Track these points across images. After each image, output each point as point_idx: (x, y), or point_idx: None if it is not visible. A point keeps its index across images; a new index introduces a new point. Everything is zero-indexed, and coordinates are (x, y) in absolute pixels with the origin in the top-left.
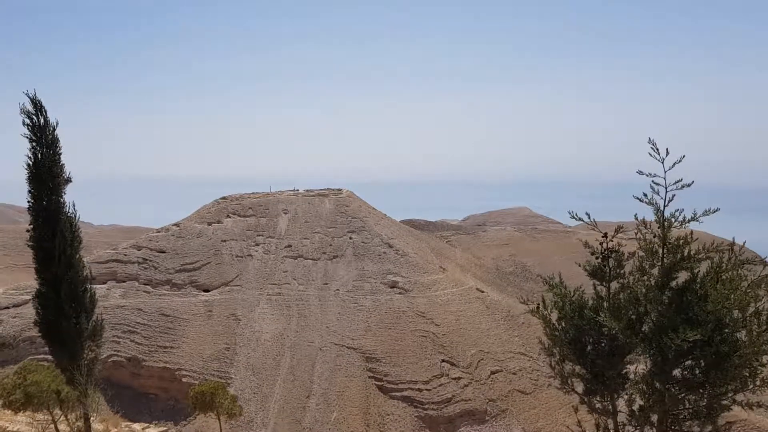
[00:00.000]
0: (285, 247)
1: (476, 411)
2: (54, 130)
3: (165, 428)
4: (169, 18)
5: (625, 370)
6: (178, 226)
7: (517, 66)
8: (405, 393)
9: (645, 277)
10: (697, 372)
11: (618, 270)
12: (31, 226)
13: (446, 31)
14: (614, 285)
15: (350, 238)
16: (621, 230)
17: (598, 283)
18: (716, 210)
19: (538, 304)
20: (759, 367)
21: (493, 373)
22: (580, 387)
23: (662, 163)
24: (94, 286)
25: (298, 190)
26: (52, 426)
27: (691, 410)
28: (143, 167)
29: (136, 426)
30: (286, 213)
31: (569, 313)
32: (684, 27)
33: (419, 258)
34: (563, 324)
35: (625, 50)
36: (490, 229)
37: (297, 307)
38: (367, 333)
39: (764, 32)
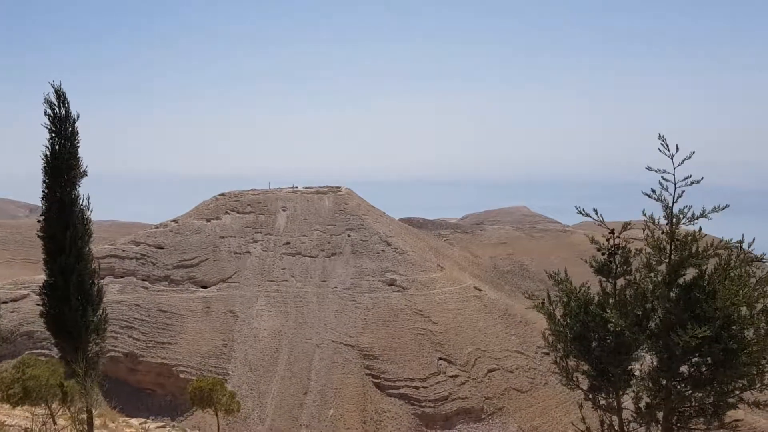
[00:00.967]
0: (283, 244)
1: (473, 409)
2: (74, 122)
3: (162, 424)
4: (170, 16)
5: (630, 367)
6: (177, 223)
7: (517, 65)
8: (402, 390)
9: (652, 274)
10: (704, 369)
11: (625, 267)
12: (43, 217)
13: (446, 30)
14: (620, 282)
15: (349, 235)
16: (629, 227)
17: (605, 279)
18: (725, 207)
19: (543, 300)
20: (766, 365)
21: (490, 371)
22: (584, 383)
23: (672, 159)
24: (101, 281)
25: (297, 188)
26: (50, 419)
27: (697, 407)
28: (142, 163)
29: (134, 421)
30: (284, 210)
31: (575, 309)
32: (685, 27)
33: (417, 256)
34: (568, 320)
35: (627, 49)
36: (488, 228)
37: (295, 304)
38: (364, 330)
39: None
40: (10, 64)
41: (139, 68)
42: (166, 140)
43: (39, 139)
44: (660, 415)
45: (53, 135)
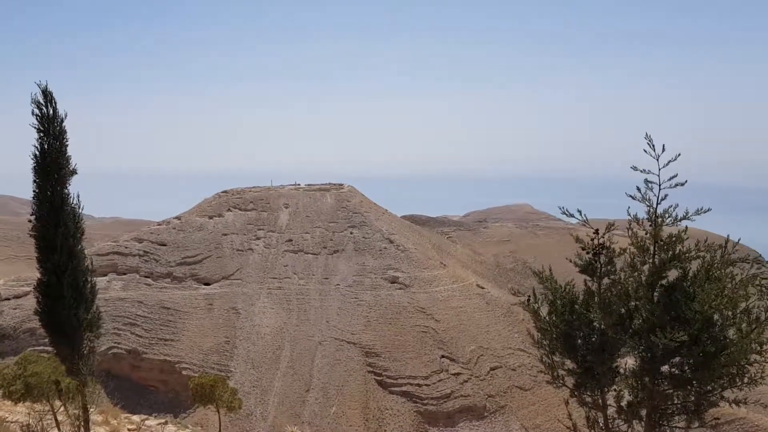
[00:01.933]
0: (286, 241)
1: (475, 407)
2: (62, 121)
3: (164, 420)
4: (173, 12)
5: (615, 365)
6: (180, 219)
7: (522, 64)
8: (404, 388)
9: (636, 274)
10: (686, 369)
11: (609, 266)
12: (34, 216)
13: (449, 28)
14: (605, 281)
15: (351, 232)
16: (613, 227)
17: (589, 278)
18: (708, 210)
19: (529, 297)
20: (746, 366)
21: (492, 369)
22: (570, 381)
23: (657, 160)
24: (95, 278)
25: (299, 185)
26: (51, 416)
27: (679, 406)
28: (145, 161)
29: (136, 418)
30: (287, 207)
31: (560, 307)
32: (685, 26)
33: (420, 253)
34: (554, 318)
35: (636, 47)
36: (491, 226)
37: (297, 301)
38: (366, 328)
39: (765, 31)
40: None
41: (142, 65)
42: (168, 137)
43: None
44: (643, 412)
45: (41, 134)
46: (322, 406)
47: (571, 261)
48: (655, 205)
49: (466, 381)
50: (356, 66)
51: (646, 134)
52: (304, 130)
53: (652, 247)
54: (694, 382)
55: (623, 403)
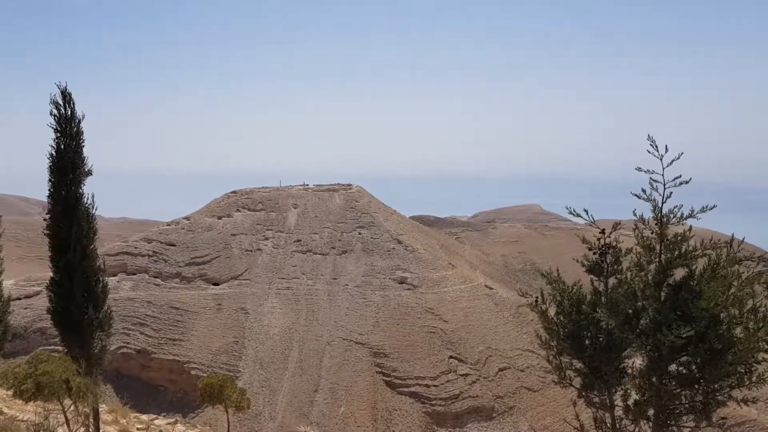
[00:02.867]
0: (294, 241)
1: (483, 408)
2: (79, 122)
3: (173, 420)
4: (181, 12)
5: (622, 365)
6: (189, 220)
7: (534, 63)
8: (413, 389)
9: (642, 273)
10: (693, 368)
11: (616, 266)
12: (49, 215)
13: (461, 27)
14: (612, 281)
15: (359, 233)
16: (619, 227)
17: (596, 278)
18: (713, 207)
19: (536, 298)
20: (755, 364)
21: (500, 370)
22: (577, 381)
23: (660, 160)
24: (106, 278)
25: (308, 185)
26: (60, 415)
27: (687, 405)
28: (154, 161)
29: (145, 417)
30: (295, 207)
31: (567, 308)
32: (688, 26)
33: (428, 254)
34: (561, 318)
35: (648, 47)
36: (499, 226)
37: (306, 301)
38: (375, 328)
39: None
40: (19, 63)
41: (151, 65)
42: (178, 138)
43: (50, 138)
44: (651, 412)
45: (58, 135)
46: (331, 407)
47: (578, 261)
48: (660, 205)
49: (475, 382)
50: (366, 65)
51: (649, 135)
52: (314, 130)
53: (658, 247)
54: (702, 381)
55: (630, 403)
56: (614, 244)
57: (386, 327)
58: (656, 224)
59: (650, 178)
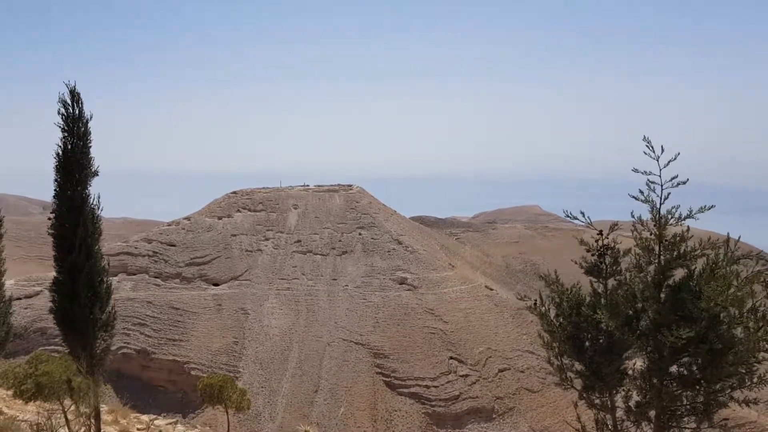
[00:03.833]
0: (294, 242)
1: (483, 408)
2: (87, 122)
3: (173, 420)
4: (178, 14)
5: (623, 366)
6: (189, 220)
7: (535, 64)
8: (412, 389)
9: (642, 274)
10: (694, 369)
11: (614, 267)
12: (54, 215)
13: (459, 27)
14: (611, 282)
15: (360, 233)
16: (616, 227)
17: (595, 280)
18: (711, 207)
19: (536, 301)
20: (755, 365)
21: (500, 371)
22: (578, 383)
23: (657, 161)
24: (109, 278)
25: (308, 186)
26: (61, 414)
27: (688, 406)
28: (155, 161)
29: (145, 417)
30: (296, 208)
31: (567, 310)
32: (691, 26)
33: (428, 255)
34: (561, 320)
35: (648, 46)
36: (500, 227)
37: (306, 302)
38: (375, 329)
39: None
40: (20, 63)
41: (151, 66)
42: (178, 138)
43: (53, 137)
44: (652, 413)
45: (66, 134)
46: (331, 407)
47: (576, 263)
48: (658, 206)
49: (475, 383)
50: (365, 65)
51: (644, 136)
52: (315, 130)
53: (657, 248)
54: (703, 381)
55: (632, 404)
56: (612, 245)
57: (386, 328)
58: (655, 225)
59: (647, 179)
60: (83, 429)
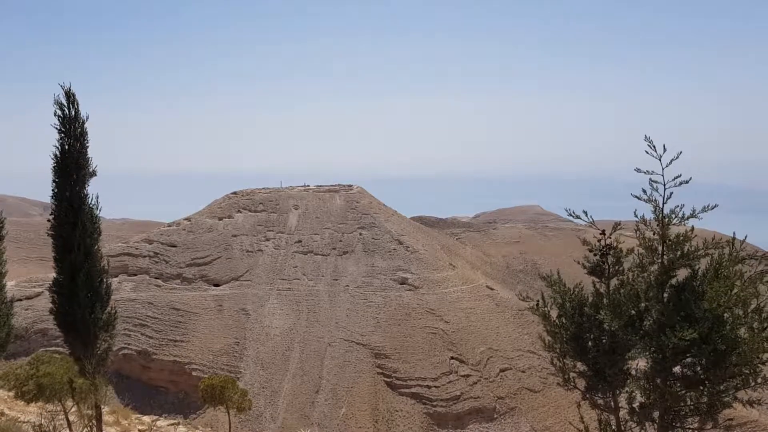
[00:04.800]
0: (295, 242)
1: (485, 408)
2: (84, 123)
3: (175, 421)
4: (180, 13)
5: (626, 367)
6: (189, 221)
7: (534, 63)
8: (414, 390)
9: (645, 274)
10: (698, 369)
11: (617, 267)
12: (53, 216)
13: (457, 27)
14: (614, 282)
15: (360, 234)
16: (619, 227)
17: (597, 280)
18: (714, 206)
19: (538, 301)
20: (759, 366)
21: (502, 370)
22: (581, 383)
23: (659, 160)
24: (109, 279)
25: (308, 186)
26: (63, 416)
27: (692, 407)
28: (155, 162)
29: (146, 418)
30: (296, 208)
31: (569, 310)
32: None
33: (429, 255)
34: (563, 321)
35: (641, 48)
36: (500, 227)
37: (307, 302)
38: (376, 329)
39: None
40: (19, 63)
41: (152, 66)
42: (178, 138)
43: (52, 138)
44: (656, 414)
45: (63, 135)
46: (332, 408)
47: (579, 263)
48: (661, 205)
49: (476, 383)
50: (364, 65)
51: (646, 136)
52: (313, 131)
53: (660, 247)
54: (707, 382)
55: (635, 405)
56: (615, 245)
57: (387, 328)
58: (658, 225)
59: (650, 178)
60: (85, 430)
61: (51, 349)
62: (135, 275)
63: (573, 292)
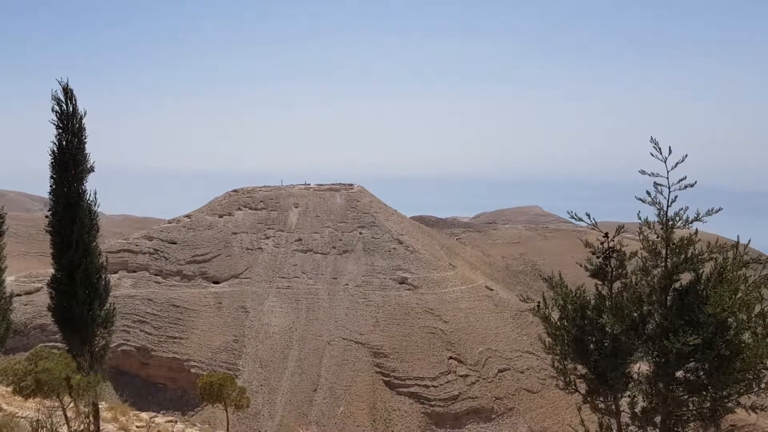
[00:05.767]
0: (295, 240)
1: (483, 409)
2: (81, 119)
3: (173, 418)
4: (182, 12)
5: (628, 370)
6: (190, 218)
7: (535, 64)
8: (412, 389)
9: (648, 278)
10: (701, 374)
11: (620, 270)
12: (51, 212)
13: (458, 27)
14: (616, 285)
15: (360, 233)
16: (623, 230)
17: (600, 283)
18: (719, 210)
19: (539, 303)
20: (763, 371)
21: (500, 371)
22: (582, 386)
23: (664, 162)
24: (108, 275)
25: (309, 185)
26: (61, 412)
27: (694, 412)
28: (156, 158)
29: (144, 415)
30: (296, 207)
31: (571, 313)
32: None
33: (429, 255)
34: (565, 323)
35: (648, 47)
36: (500, 227)
37: (306, 300)
38: (375, 328)
39: None
40: (20, 59)
41: (153, 65)
42: (179, 136)
43: (52, 134)
44: (658, 418)
45: (60, 131)
46: (330, 406)
47: (581, 265)
48: (665, 208)
49: (474, 383)
50: (365, 65)
51: (652, 137)
52: (314, 129)
53: (664, 251)
54: (710, 387)
55: (637, 410)
56: (618, 247)
57: (386, 327)
58: (662, 228)
59: (654, 181)
60: (83, 426)
61: (50, 344)
62: (135, 272)
63: (575, 295)
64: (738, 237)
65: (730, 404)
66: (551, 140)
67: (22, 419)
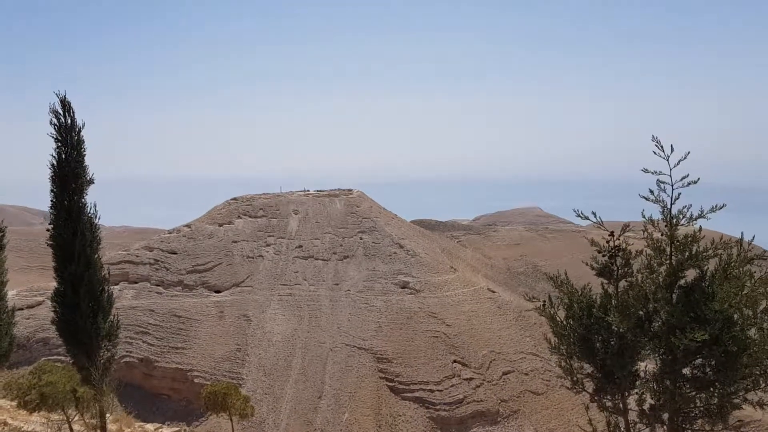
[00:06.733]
0: (296, 247)
1: (488, 412)
2: (80, 131)
3: (177, 429)
4: (179, 16)
5: (635, 368)
6: (190, 227)
7: (534, 64)
8: (416, 394)
9: (653, 275)
10: (708, 371)
11: (626, 268)
12: (52, 226)
13: (456, 27)
14: (622, 283)
15: (361, 238)
16: (628, 228)
17: (606, 281)
18: (722, 206)
19: (544, 302)
20: None
21: (504, 373)
22: (590, 385)
23: (667, 160)
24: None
25: (308, 191)
26: (67, 426)
27: (702, 409)
28: (154, 168)
29: (149, 426)
30: (296, 213)
31: (577, 312)
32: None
33: (430, 258)
34: (571, 322)
35: (645, 46)
36: (500, 229)
37: (308, 307)
38: (378, 333)
39: None
40: (19, 69)
41: (150, 71)
42: (177, 144)
43: (50, 147)
44: (665, 416)
45: (59, 144)
46: (335, 413)
47: (587, 264)
48: (669, 206)
49: (479, 386)
50: (364, 67)
51: (653, 136)
52: (313, 135)
53: (668, 248)
54: (717, 383)
55: (645, 407)
56: (624, 246)
57: (389, 332)
58: (666, 225)
59: (657, 179)
60: None
61: (53, 358)
62: (136, 282)
63: (581, 294)
64: (742, 234)
65: (737, 400)
66: (551, 141)
67: None
